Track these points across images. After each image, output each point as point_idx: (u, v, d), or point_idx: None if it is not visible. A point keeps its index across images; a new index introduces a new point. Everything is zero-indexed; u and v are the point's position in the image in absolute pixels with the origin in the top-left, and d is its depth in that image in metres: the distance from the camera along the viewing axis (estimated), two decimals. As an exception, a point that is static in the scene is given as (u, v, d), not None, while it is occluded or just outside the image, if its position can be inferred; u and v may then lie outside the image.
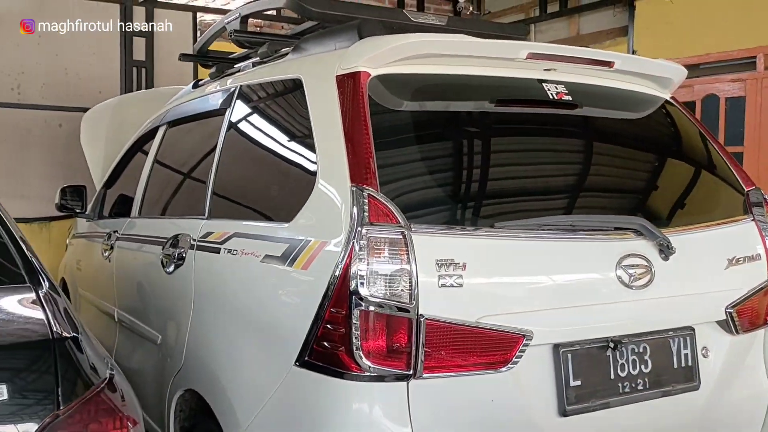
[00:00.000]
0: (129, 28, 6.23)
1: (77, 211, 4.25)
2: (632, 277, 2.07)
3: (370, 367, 1.78)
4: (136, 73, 6.31)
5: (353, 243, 1.79)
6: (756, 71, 5.58)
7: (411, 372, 1.80)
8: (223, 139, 2.65)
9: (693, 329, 2.22)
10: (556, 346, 1.98)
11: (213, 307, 2.40)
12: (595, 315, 2.03)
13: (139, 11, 6.30)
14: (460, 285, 1.84)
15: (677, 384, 2.17)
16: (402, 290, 1.79)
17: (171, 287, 2.72)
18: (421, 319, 1.79)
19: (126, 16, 6.23)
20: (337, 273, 1.82)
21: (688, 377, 2.19)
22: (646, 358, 2.12)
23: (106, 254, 3.63)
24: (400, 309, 1.79)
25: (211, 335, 2.37)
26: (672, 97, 2.63)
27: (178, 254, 2.65)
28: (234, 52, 3.33)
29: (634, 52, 6.35)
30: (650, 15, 6.31)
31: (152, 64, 6.36)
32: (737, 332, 2.28)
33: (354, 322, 1.78)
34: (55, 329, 1.45)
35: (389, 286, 1.79)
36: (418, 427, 1.80)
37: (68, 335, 1.44)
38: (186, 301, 2.55)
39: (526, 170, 2.21)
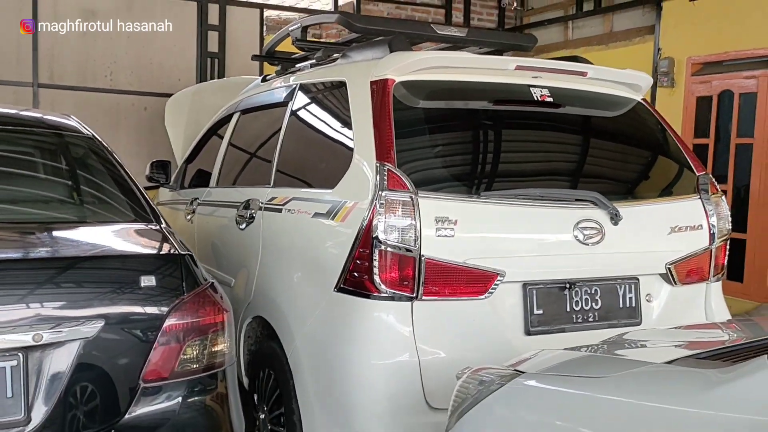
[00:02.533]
0: (204, 23, 7.10)
1: (162, 182, 5.08)
2: (586, 236, 2.76)
3: (386, 290, 2.54)
4: (210, 63, 7.18)
5: (376, 203, 2.55)
6: (768, 69, 6.06)
7: (414, 295, 2.55)
8: (285, 125, 3.42)
9: (638, 279, 2.90)
10: (525, 284, 2.70)
11: (276, 253, 3.18)
12: (556, 263, 2.74)
13: (213, 8, 7.16)
14: (452, 236, 2.58)
15: (622, 319, 2.86)
16: (409, 237, 2.54)
17: (243, 240, 3.52)
18: (423, 258, 2.54)
19: (202, 13, 7.10)
20: (364, 224, 2.58)
21: (631, 315, 2.88)
22: (597, 298, 2.82)
23: (189, 217, 4.46)
24: (407, 250, 2.54)
25: (274, 274, 3.16)
26: (643, 99, 3.28)
27: (250, 215, 3.44)
28: (294, 52, 4.10)
29: (659, 50, 6.88)
30: (676, 15, 6.80)
31: (224, 55, 7.22)
32: (676, 284, 2.95)
33: (375, 258, 2.54)
34: (178, 249, 2.25)
35: (400, 234, 2.54)
36: (418, 332, 2.56)
37: (186, 253, 2.24)
38: (255, 250, 3.35)
39: (511, 153, 2.93)
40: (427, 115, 2.86)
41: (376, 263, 2.54)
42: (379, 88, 2.78)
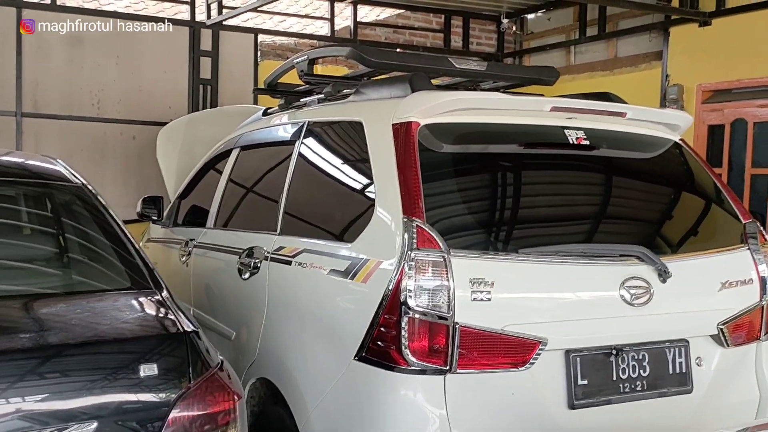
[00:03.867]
0: (197, 48, 6.83)
1: (154, 218, 4.79)
2: (633, 296, 2.49)
3: (415, 362, 2.25)
4: (203, 90, 6.90)
5: (404, 263, 2.26)
6: (784, 97, 5.87)
7: (447, 368, 2.25)
8: (293, 166, 3.14)
9: (687, 341, 2.62)
10: (567, 352, 2.42)
11: (284, 310, 2.89)
12: (601, 327, 2.46)
13: (206, 34, 6.89)
14: (489, 299, 2.29)
15: (672, 387, 2.58)
16: (442, 302, 2.25)
17: (246, 292, 3.22)
18: (457, 326, 2.25)
19: (194, 38, 6.83)
20: (390, 287, 2.29)
21: (681, 382, 2.60)
22: (645, 364, 2.54)
23: (183, 259, 4.16)
24: (439, 317, 2.25)
25: (283, 333, 2.86)
26: (681, 139, 3.03)
27: (254, 264, 3.14)
28: (297, 84, 3.82)
29: (667, 77, 6.69)
30: (684, 40, 6.61)
31: (217, 82, 6.95)
32: (728, 345, 2.68)
33: (403, 326, 2.25)
34: (183, 324, 1.95)
35: (431, 299, 2.25)
36: (452, 411, 2.26)
37: (192, 329, 1.94)
38: (260, 303, 3.05)
39: (547, 203, 2.66)
40: (455, 163, 2.58)
41: (404, 332, 2.25)
42: (403, 131, 2.51)
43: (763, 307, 2.79)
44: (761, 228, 2.91)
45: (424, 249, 2.27)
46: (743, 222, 2.89)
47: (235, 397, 1.91)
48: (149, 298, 2.14)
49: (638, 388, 2.52)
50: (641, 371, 2.53)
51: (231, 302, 3.45)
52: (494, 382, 2.32)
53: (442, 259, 2.27)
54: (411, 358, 2.25)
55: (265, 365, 2.96)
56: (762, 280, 2.78)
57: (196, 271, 3.97)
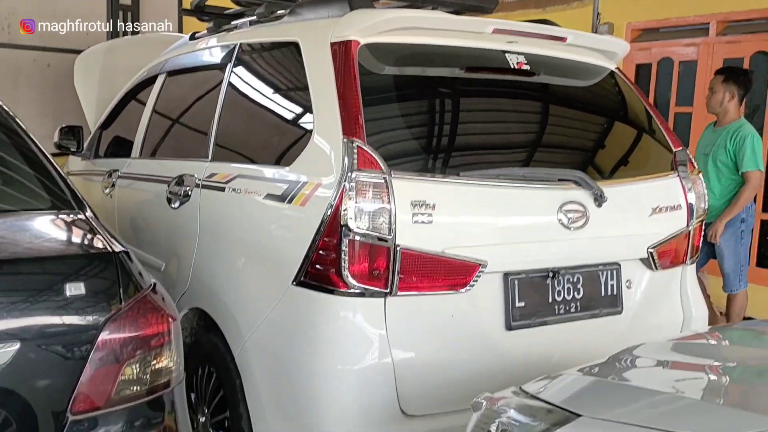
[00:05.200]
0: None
1: (73, 149, 4.53)
2: (570, 220, 2.51)
3: (355, 285, 2.21)
4: (123, 16, 6.51)
5: (344, 185, 2.20)
6: (708, 37, 6.00)
7: (388, 290, 2.23)
8: (225, 90, 2.99)
9: (619, 265, 2.68)
10: (506, 274, 2.43)
11: (217, 238, 2.79)
12: (539, 250, 2.48)
13: (126, -47, 6.48)
14: (430, 222, 2.26)
15: (604, 308, 2.64)
16: (382, 224, 2.21)
17: (176, 221, 3.09)
18: (398, 248, 2.22)
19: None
20: (329, 210, 2.23)
21: (612, 303, 2.67)
22: (579, 286, 2.59)
23: (107, 191, 3.97)
24: (380, 239, 2.21)
25: (217, 262, 2.77)
26: (617, 68, 3.04)
27: (184, 192, 3.01)
28: (229, 7, 3.63)
29: (598, 15, 6.73)
30: (615, -21, 6.65)
31: (138, 8, 6.57)
32: (656, 268, 2.76)
33: (343, 249, 2.20)
34: (111, 245, 1.84)
35: (372, 221, 2.21)
36: (392, 332, 2.25)
37: (121, 249, 1.84)
38: (191, 232, 2.93)
39: (488, 128, 2.63)
40: (395, 84, 2.51)
41: (345, 255, 2.20)
42: (342, 51, 2.41)
43: (690, 232, 2.87)
44: (690, 156, 2.98)
45: (365, 170, 2.21)
46: (674, 150, 2.95)
47: (170, 319, 1.83)
48: (73, 217, 2.01)
49: (572, 310, 2.57)
50: (575, 293, 2.58)
51: (160, 232, 3.32)
52: (434, 304, 2.31)
53: (383, 181, 2.22)
54: (351, 281, 2.21)
55: (198, 295, 2.87)
56: (689, 206, 2.86)
57: (121, 202, 3.80)
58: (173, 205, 3.09)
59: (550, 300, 2.52)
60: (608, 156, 2.88)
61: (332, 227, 2.22)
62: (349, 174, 2.20)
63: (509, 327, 2.43)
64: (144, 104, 3.82)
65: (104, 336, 1.68)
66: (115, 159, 4.04)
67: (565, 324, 2.55)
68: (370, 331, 2.24)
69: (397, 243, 2.22)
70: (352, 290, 2.22)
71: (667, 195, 2.84)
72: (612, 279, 2.67)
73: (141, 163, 3.67)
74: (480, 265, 2.33)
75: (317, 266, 2.27)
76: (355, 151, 2.22)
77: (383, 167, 2.23)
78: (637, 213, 2.74)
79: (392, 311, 2.25)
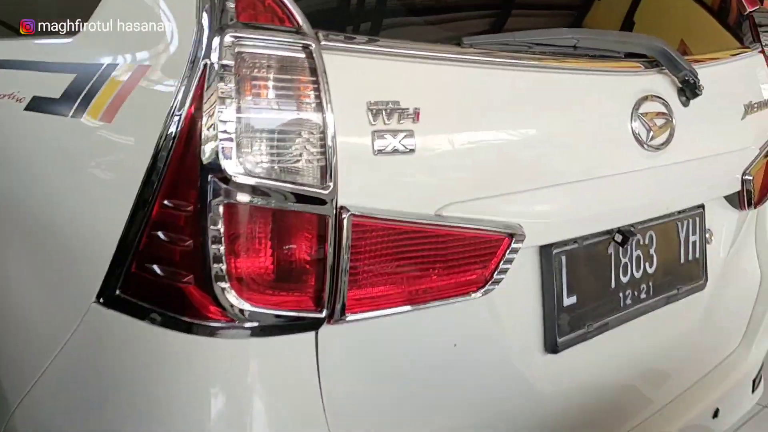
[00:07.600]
0: None
1: None
2: (649, 132, 1.32)
3: (243, 309, 0.92)
4: None
5: (207, 65, 0.87)
6: None
7: (323, 313, 0.96)
8: None
9: (703, 207, 1.56)
10: (545, 248, 1.22)
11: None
12: (599, 193, 1.28)
13: None
14: (411, 150, 0.99)
15: (683, 285, 1.52)
16: (305, 162, 0.91)
17: None
18: (343, 216, 0.94)
19: None
20: (172, 128, 0.90)
21: (695, 274, 1.55)
22: (652, 252, 1.44)
23: None
24: (302, 198, 0.92)
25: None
26: None
27: None
28: None
29: None
30: None
31: None
32: (747, 206, 1.65)
33: (212, 225, 0.89)
34: None
35: (279, 156, 0.91)
36: (333, 409, 0.99)
37: None
38: None
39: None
40: None
41: (214, 238, 0.89)
42: None
43: (778, 145, 1.78)
44: (772, 19, 1.85)
45: (258, 28, 0.89)
46: (748, 9, 1.81)
47: None
48: None
49: (642, 296, 1.42)
50: (647, 266, 1.43)
51: None
52: (422, 330, 1.07)
53: (303, 55, 0.90)
54: (235, 298, 0.92)
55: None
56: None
57: None
58: None
59: (614, 285, 1.36)
60: (676, 22, 1.68)
61: (181, 173, 0.90)
62: (217, 38, 0.87)
63: (554, 347, 1.25)
64: None
65: None
66: None
67: (631, 323, 1.41)
68: (283, 414, 0.97)
69: (341, 204, 0.94)
70: (238, 321, 0.93)
71: (754, 82, 1.71)
72: (694, 233, 1.54)
73: None
74: (510, 236, 1.10)
75: (150, 265, 0.94)
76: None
77: (302, 23, 0.91)
78: (730, 116, 1.60)
79: (334, 359, 0.99)
